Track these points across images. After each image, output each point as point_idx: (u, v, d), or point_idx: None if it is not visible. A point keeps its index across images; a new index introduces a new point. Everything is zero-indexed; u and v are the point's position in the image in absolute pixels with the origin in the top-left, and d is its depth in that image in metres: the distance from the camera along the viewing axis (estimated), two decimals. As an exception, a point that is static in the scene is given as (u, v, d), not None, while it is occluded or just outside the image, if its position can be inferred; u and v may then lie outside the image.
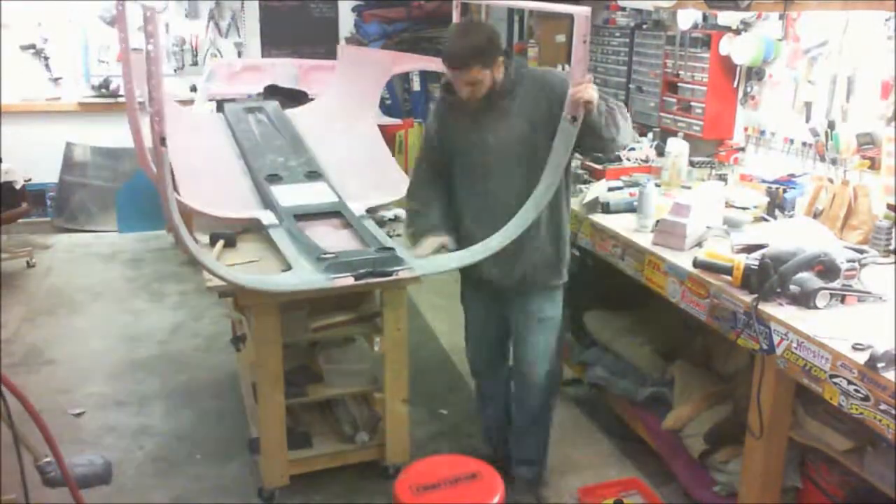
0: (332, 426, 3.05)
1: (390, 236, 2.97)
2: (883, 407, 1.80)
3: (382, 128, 4.06)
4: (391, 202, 3.24)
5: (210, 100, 4.50)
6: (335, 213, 2.98)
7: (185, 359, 3.98)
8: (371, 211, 3.14)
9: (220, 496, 2.87)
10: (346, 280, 2.48)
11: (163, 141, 2.07)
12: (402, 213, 3.25)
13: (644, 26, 3.95)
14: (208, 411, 3.46)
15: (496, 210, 2.52)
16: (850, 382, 1.88)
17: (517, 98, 2.45)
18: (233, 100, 3.95)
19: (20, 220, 5.38)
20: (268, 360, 2.66)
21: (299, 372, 2.93)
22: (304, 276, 2.50)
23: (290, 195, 3.03)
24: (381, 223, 3.10)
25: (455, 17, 3.12)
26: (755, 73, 3.30)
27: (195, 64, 6.05)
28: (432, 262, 2.58)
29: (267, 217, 2.93)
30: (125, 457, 3.09)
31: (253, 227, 2.96)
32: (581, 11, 2.29)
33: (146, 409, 3.47)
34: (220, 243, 2.84)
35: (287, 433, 2.78)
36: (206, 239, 2.90)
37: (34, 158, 5.52)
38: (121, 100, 5.54)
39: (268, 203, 3.02)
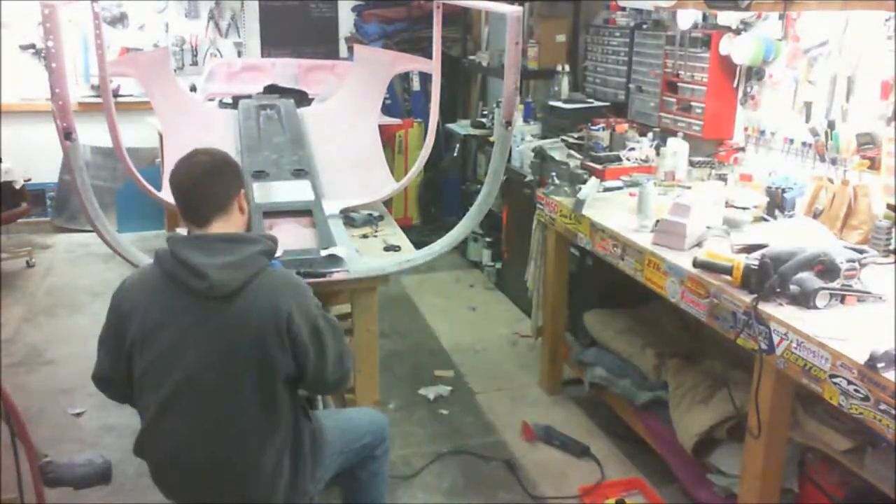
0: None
1: (365, 237, 2.99)
2: (883, 407, 1.80)
3: (382, 128, 4.06)
4: (370, 203, 3.26)
5: (210, 99, 4.50)
6: (307, 212, 2.98)
7: (185, 359, 3.98)
8: (350, 210, 3.15)
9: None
10: None
11: (68, 136, 2.08)
12: (385, 211, 3.33)
13: (644, 26, 3.95)
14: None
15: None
16: (849, 382, 1.88)
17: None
18: (249, 96, 3.96)
19: (20, 220, 5.38)
20: None
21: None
22: None
23: (269, 192, 3.04)
24: (354, 223, 3.11)
25: (436, 20, 3.12)
26: (755, 73, 3.29)
27: (195, 64, 6.05)
28: (368, 264, 2.61)
29: None
30: (125, 457, 3.07)
31: None
32: (512, 11, 2.25)
33: (146, 409, 3.47)
34: None
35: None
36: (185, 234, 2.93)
37: (34, 158, 5.52)
38: (121, 100, 5.56)
39: (248, 199, 3.03)
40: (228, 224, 1.88)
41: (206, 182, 1.86)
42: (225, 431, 1.83)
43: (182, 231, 2.98)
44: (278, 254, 2.11)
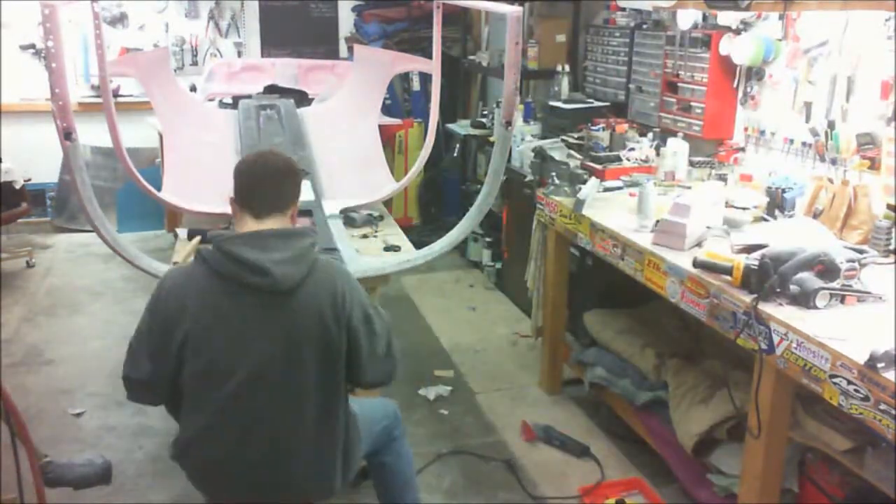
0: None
1: (365, 237, 2.99)
2: (883, 407, 1.80)
3: (382, 128, 4.06)
4: (370, 203, 3.26)
5: (210, 99, 4.50)
6: (307, 212, 2.98)
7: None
8: (350, 210, 3.15)
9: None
10: None
11: (68, 136, 2.09)
12: (385, 211, 3.32)
13: (644, 26, 3.95)
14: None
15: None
16: (849, 382, 1.88)
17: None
18: (249, 96, 3.96)
19: (20, 220, 5.38)
20: None
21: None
22: None
23: None
24: (354, 223, 3.11)
25: (436, 20, 3.12)
26: (755, 73, 3.29)
27: (195, 64, 6.05)
28: (369, 264, 2.62)
29: None
30: (125, 457, 3.09)
31: None
32: (512, 11, 2.27)
33: (146, 409, 3.45)
34: (197, 239, 2.89)
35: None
36: (184, 234, 2.97)
37: (34, 158, 5.52)
38: (121, 100, 5.56)
39: None
40: (279, 225, 1.89)
41: (279, 179, 1.90)
42: (289, 423, 1.85)
43: (182, 231, 3.00)
44: None
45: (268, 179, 1.89)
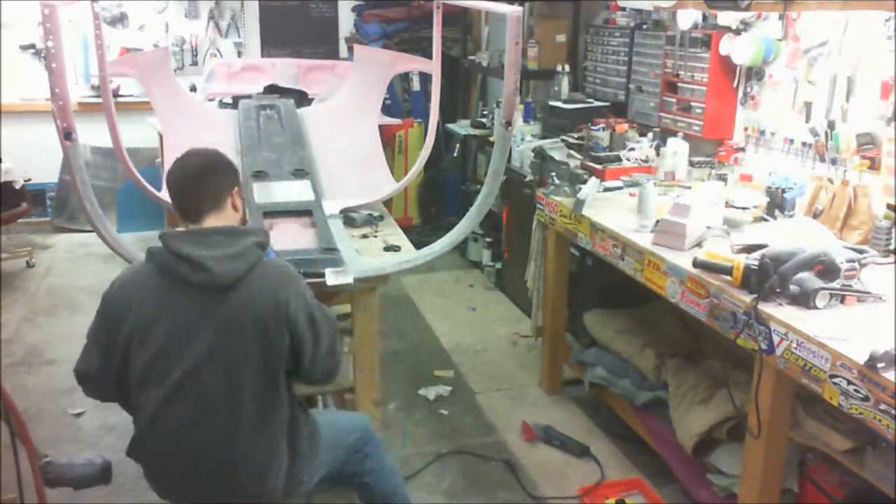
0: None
1: (365, 237, 2.99)
2: (883, 407, 1.80)
3: (382, 128, 4.06)
4: (370, 203, 3.26)
5: (210, 99, 4.50)
6: (307, 212, 2.98)
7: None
8: (350, 210, 3.15)
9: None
10: None
11: (68, 136, 2.09)
12: (385, 211, 3.32)
13: (644, 26, 3.95)
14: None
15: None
16: (849, 382, 1.88)
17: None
18: (249, 96, 3.96)
19: (20, 220, 5.38)
20: None
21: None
22: None
23: (269, 192, 3.04)
24: (354, 223, 3.11)
25: (436, 20, 3.12)
26: (755, 73, 3.29)
27: (195, 64, 6.06)
28: (369, 264, 2.62)
29: None
30: (125, 457, 3.08)
31: None
32: (512, 11, 2.27)
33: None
34: None
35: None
36: None
37: (34, 158, 5.52)
38: (121, 100, 5.56)
39: (247, 199, 3.04)
40: (221, 220, 1.93)
41: (199, 179, 1.92)
42: (227, 420, 1.85)
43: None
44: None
45: (188, 184, 1.92)
